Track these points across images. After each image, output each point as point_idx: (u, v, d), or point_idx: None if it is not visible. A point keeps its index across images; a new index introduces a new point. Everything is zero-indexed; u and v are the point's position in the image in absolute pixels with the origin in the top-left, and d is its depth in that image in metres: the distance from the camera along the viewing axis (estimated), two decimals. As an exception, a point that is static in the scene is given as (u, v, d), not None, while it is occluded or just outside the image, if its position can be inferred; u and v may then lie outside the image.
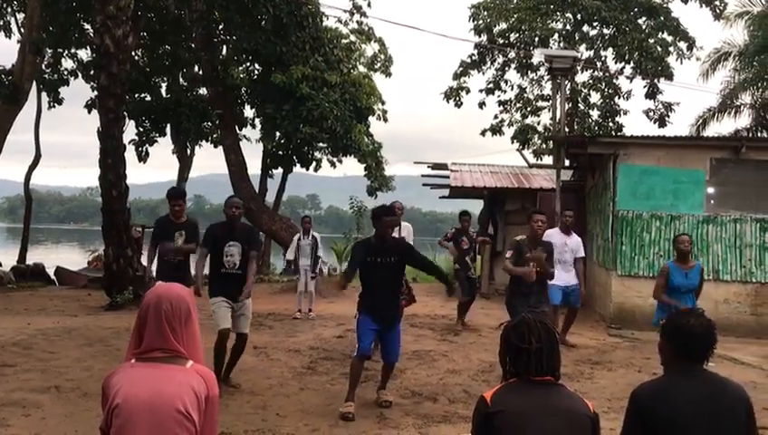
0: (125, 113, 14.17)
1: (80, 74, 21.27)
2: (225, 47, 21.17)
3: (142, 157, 21.87)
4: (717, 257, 11.57)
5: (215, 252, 6.78)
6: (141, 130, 21.56)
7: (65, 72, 21.50)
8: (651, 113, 23.55)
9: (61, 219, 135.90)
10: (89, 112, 20.45)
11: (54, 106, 21.97)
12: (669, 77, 22.65)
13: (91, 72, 20.02)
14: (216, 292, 6.73)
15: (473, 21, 23.89)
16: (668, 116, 23.44)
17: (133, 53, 17.44)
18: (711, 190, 11.96)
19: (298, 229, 19.71)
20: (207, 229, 7.08)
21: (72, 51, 21.24)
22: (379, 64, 22.89)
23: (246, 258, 6.78)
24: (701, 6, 22.56)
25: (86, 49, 20.67)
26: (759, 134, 18.92)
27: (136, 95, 20.95)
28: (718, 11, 22.12)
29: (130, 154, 19.07)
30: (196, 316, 2.67)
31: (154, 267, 8.17)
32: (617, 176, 11.86)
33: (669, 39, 22.82)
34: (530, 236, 7.45)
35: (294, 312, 11.79)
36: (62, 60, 21.42)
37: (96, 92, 15.25)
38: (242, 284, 6.72)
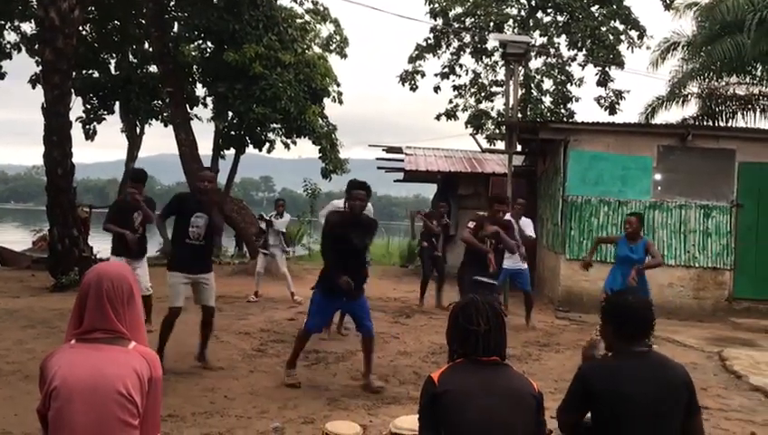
0: (71, 90, 13.72)
1: (23, 48, 20.55)
2: (176, 24, 20.67)
3: (89, 135, 21.30)
4: (663, 242, 11.85)
5: (180, 221, 6.64)
6: (89, 107, 20.97)
7: (8, 46, 20.73)
8: (602, 101, 23.95)
9: (5, 199, 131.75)
10: (33, 88, 19.77)
11: (-4, 81, 21.18)
12: (620, 65, 23.06)
13: (36, 46, 19.36)
14: (175, 265, 6.59)
15: (429, 4, 23.88)
16: (619, 104, 23.90)
17: (80, 28, 16.88)
18: (658, 177, 12.23)
19: (250, 211, 19.60)
20: (174, 197, 6.97)
21: (16, 23, 20.49)
22: (334, 45, 22.67)
23: (210, 233, 6.71)
24: (652, -4, 22.94)
25: (30, 22, 19.98)
26: (705, 123, 19.37)
27: (83, 71, 20.33)
28: (668, 1, 22.54)
29: (77, 132, 18.61)
30: (138, 296, 2.61)
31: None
32: (567, 161, 12.03)
33: (621, 27, 23.22)
34: (489, 215, 7.57)
35: (250, 295, 11.52)
36: (5, 32, 20.63)
37: (41, 67, 14.73)
38: (205, 256, 6.70)
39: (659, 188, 12.23)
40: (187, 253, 6.56)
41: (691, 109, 20.41)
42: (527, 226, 10.04)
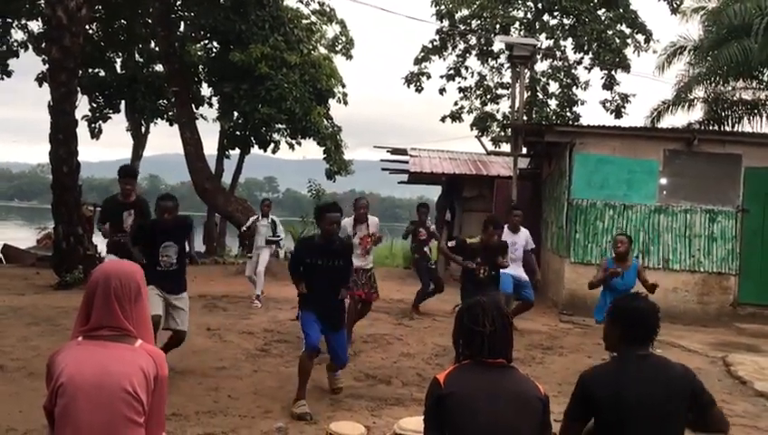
0: (78, 88, 13.77)
1: (30, 46, 20.61)
2: (182, 23, 20.72)
3: (95, 133, 21.39)
4: (668, 247, 11.83)
5: (150, 249, 6.39)
6: (95, 105, 21.05)
7: (15, 44, 20.80)
8: (608, 104, 23.95)
9: (9, 197, 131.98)
10: (40, 86, 19.81)
11: (3, 79, 21.24)
12: (626, 69, 23.06)
13: (43, 45, 19.41)
14: (151, 282, 6.21)
15: (435, 6, 23.90)
16: (624, 107, 23.90)
17: (87, 27, 16.93)
18: (663, 181, 12.20)
19: (254, 211, 19.60)
20: (140, 227, 6.87)
21: (23, 22, 20.56)
22: (340, 46, 22.70)
23: (182, 255, 6.53)
24: (659, 0, 22.93)
25: (37, 20, 20.04)
26: (711, 127, 19.34)
27: (90, 70, 20.40)
28: (675, 5, 22.52)
29: (83, 130, 18.61)
30: (145, 294, 2.61)
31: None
32: (572, 164, 12.01)
33: (627, 31, 23.21)
34: (483, 240, 7.56)
35: (253, 297, 11.32)
36: (12, 31, 20.71)
37: (47, 66, 14.78)
38: (178, 279, 6.48)
39: (665, 192, 12.19)
40: (160, 279, 6.25)
41: (697, 113, 20.49)
42: (526, 238, 9.86)
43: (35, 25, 20.48)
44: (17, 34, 20.84)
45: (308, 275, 5.88)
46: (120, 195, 7.92)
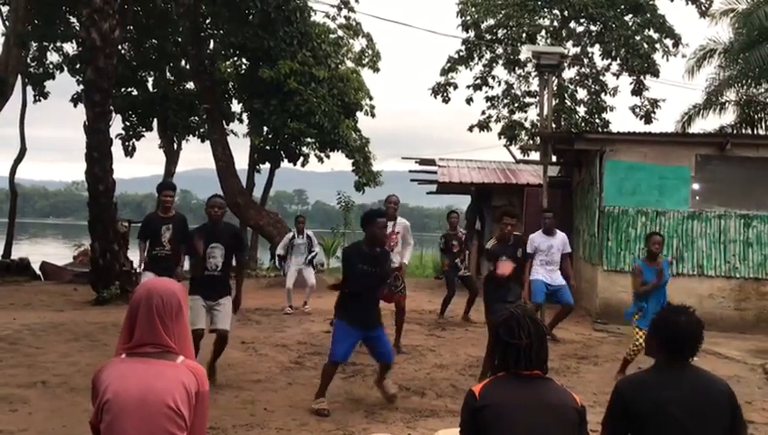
0: (111, 107, 14.06)
1: (66, 68, 21.11)
2: (212, 41, 21.07)
3: (129, 151, 21.80)
4: (702, 253, 11.67)
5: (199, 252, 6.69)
6: (128, 124, 21.47)
7: (51, 66, 21.34)
8: (637, 110, 23.74)
9: (45, 214, 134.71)
10: (75, 106, 20.33)
11: (40, 100, 21.79)
12: (655, 74, 22.84)
13: (77, 66, 19.88)
14: (194, 291, 6.62)
15: (461, 17, 23.95)
16: (654, 112, 23.67)
17: (120, 47, 17.32)
18: (696, 186, 12.06)
19: (285, 224, 19.78)
20: (189, 232, 7.13)
21: (58, 44, 21.10)
22: (366, 60, 22.85)
23: (228, 259, 6.74)
24: (687, 3, 22.74)
25: (72, 42, 20.58)
26: (743, 131, 19.06)
27: (122, 89, 20.83)
28: (704, 8, 22.31)
29: (117, 148, 19.02)
30: (186, 311, 2.67)
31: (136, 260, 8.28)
32: (603, 172, 11.93)
33: (655, 36, 23.00)
34: (498, 236, 7.43)
35: (285, 307, 11.66)
36: (48, 53, 21.27)
37: (82, 86, 15.13)
38: (223, 285, 6.73)
39: (698, 197, 12.05)
40: (206, 283, 6.63)
41: (729, 117, 20.14)
42: (563, 242, 9.72)
43: (70, 48, 21.03)
44: (53, 57, 21.41)
45: (357, 281, 6.03)
46: (160, 210, 8.13)
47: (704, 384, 2.90)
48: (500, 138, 24.77)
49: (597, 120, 23.65)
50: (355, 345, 6.22)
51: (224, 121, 20.44)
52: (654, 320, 3.11)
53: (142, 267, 8.35)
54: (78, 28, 17.72)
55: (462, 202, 18.85)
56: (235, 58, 20.91)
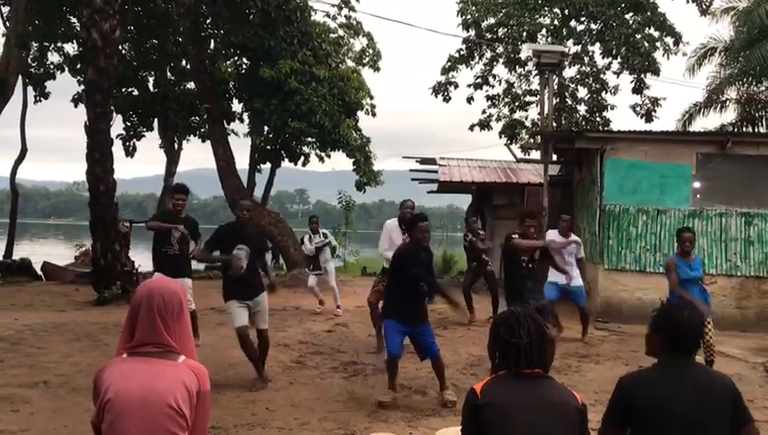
0: (112, 108, 14.07)
1: (66, 68, 21.10)
2: (212, 41, 21.03)
3: (129, 151, 21.78)
4: (703, 251, 11.64)
5: (223, 254, 6.85)
6: (129, 124, 21.44)
7: (51, 67, 21.33)
8: (638, 108, 23.72)
9: (47, 214, 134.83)
10: (75, 107, 20.31)
11: (41, 100, 21.78)
12: (656, 72, 22.82)
13: (78, 67, 19.88)
14: (229, 296, 6.82)
15: (461, 16, 23.94)
16: (655, 111, 23.64)
17: (120, 47, 17.32)
18: (697, 185, 12.06)
19: (287, 224, 19.78)
20: (216, 230, 7.19)
21: (59, 45, 21.07)
22: (367, 59, 22.80)
23: (254, 261, 6.84)
24: (687, 2, 22.72)
25: (73, 43, 20.55)
26: (744, 129, 19.05)
27: (123, 89, 20.80)
28: (704, 6, 22.29)
29: (117, 149, 19.02)
30: (187, 311, 2.68)
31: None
32: (604, 170, 11.93)
33: (656, 34, 22.99)
34: (521, 235, 7.43)
35: (315, 307, 11.90)
36: (49, 54, 21.25)
37: (83, 87, 15.14)
38: (253, 284, 6.84)
39: (699, 196, 12.05)
40: (236, 285, 6.75)
41: (729, 115, 20.15)
42: (575, 245, 9.81)
43: (71, 48, 21.01)
44: (53, 57, 21.40)
45: (406, 279, 6.27)
46: (173, 211, 8.35)
47: (706, 381, 2.90)
48: (501, 137, 24.78)
49: (597, 119, 23.64)
50: (403, 340, 6.42)
51: (224, 121, 20.42)
52: (655, 317, 3.12)
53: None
54: (78, 28, 17.69)
55: (462, 201, 18.86)
56: (236, 58, 20.87)
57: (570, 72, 24.45)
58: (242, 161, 21.40)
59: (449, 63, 24.79)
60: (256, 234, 7.30)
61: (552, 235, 9.73)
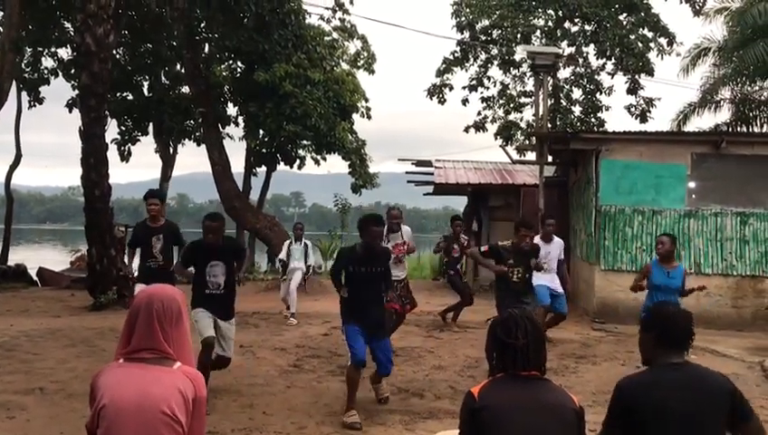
0: (107, 112, 14.04)
1: (60, 73, 21.08)
2: (207, 45, 21.06)
3: (124, 156, 21.78)
4: (699, 251, 11.69)
5: (197, 271, 6.36)
6: (123, 129, 21.47)
7: (46, 71, 21.30)
8: (633, 109, 23.74)
9: (42, 220, 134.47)
10: (70, 112, 20.30)
11: (35, 105, 21.76)
12: (650, 73, 22.86)
13: (72, 71, 19.86)
14: (197, 305, 6.24)
15: (455, 18, 23.97)
16: (650, 111, 23.66)
17: (115, 52, 17.30)
18: (692, 185, 12.09)
19: (282, 227, 19.79)
20: (188, 246, 6.75)
21: (53, 49, 21.05)
22: (362, 62, 22.85)
23: (231, 277, 6.40)
24: (681, 2, 22.76)
25: (67, 48, 20.53)
26: (739, 129, 19.11)
27: (118, 94, 20.82)
28: (698, 6, 22.33)
29: (112, 153, 19.00)
30: (186, 318, 2.67)
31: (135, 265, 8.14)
32: (599, 171, 11.95)
33: (650, 35, 23.02)
34: (515, 243, 7.42)
35: (284, 310, 11.54)
36: (43, 58, 21.22)
37: (77, 91, 15.11)
38: (226, 304, 6.37)
39: (694, 196, 12.08)
40: (209, 303, 6.24)
41: (724, 115, 20.20)
42: (560, 248, 9.71)
43: (65, 53, 20.99)
44: (48, 62, 21.38)
45: (351, 283, 6.05)
46: (149, 219, 7.96)
47: (703, 381, 2.91)
48: (496, 138, 24.78)
49: (592, 120, 23.65)
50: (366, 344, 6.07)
51: (219, 125, 20.44)
52: (644, 319, 3.14)
53: (135, 275, 8.22)
54: (72, 33, 17.71)
55: (458, 203, 18.90)
56: (230, 61, 20.92)
57: (564, 73, 24.49)
58: (237, 165, 21.42)
59: (444, 65, 24.79)
60: (231, 247, 6.71)
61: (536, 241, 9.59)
